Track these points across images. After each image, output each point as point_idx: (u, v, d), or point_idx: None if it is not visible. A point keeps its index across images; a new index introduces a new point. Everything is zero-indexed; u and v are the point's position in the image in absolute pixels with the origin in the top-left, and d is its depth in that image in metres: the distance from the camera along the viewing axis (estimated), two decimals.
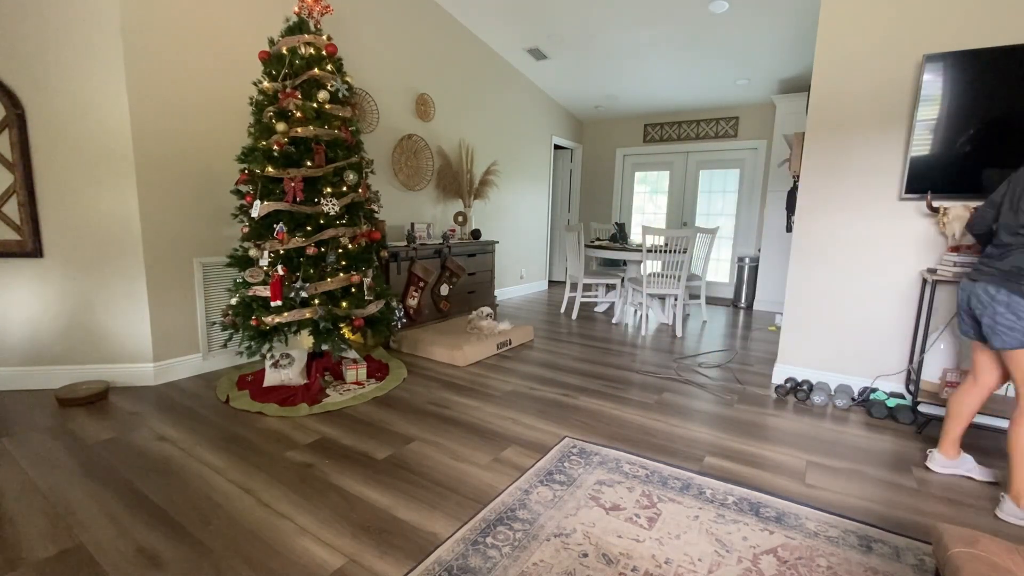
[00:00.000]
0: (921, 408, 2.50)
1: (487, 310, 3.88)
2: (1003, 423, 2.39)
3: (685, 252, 4.16)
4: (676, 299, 4.35)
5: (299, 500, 1.70)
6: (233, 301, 2.60)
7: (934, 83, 2.40)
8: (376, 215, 2.90)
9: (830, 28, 2.69)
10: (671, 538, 1.53)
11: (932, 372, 2.44)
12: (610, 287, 5.62)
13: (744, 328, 4.64)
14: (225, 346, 2.97)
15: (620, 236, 5.03)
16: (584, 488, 1.80)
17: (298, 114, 2.48)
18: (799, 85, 5.14)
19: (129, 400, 2.54)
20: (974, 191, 2.39)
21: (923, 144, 2.47)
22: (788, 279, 2.97)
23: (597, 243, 5.02)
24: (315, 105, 2.50)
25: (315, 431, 2.24)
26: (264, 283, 2.51)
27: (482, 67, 5.06)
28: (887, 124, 2.60)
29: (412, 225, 4.16)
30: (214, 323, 2.97)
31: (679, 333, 4.24)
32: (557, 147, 6.94)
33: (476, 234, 4.76)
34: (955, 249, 2.33)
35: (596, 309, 5.32)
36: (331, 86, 2.56)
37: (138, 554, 1.42)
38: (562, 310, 5.15)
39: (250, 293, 2.53)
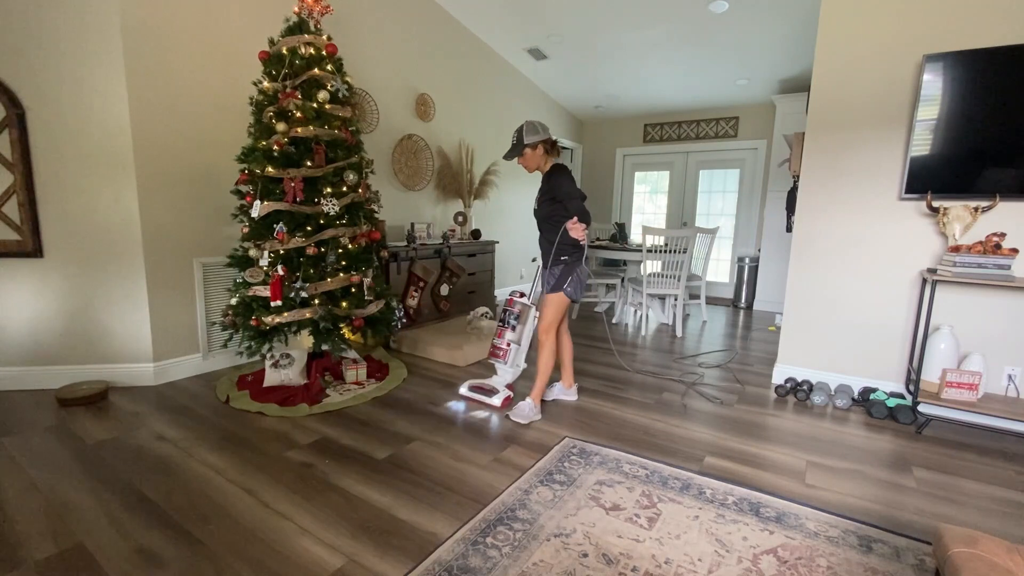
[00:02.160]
0: (921, 408, 2.50)
1: (484, 310, 3.87)
2: (1002, 423, 2.39)
3: (685, 252, 4.16)
4: (676, 299, 4.35)
5: (299, 500, 1.70)
6: (233, 301, 2.60)
7: (934, 83, 2.40)
8: (376, 215, 2.90)
9: (830, 28, 2.69)
10: (671, 538, 1.53)
11: (932, 372, 2.44)
12: (610, 287, 5.62)
13: (744, 328, 4.64)
14: (225, 346, 2.97)
15: (620, 236, 5.03)
16: (584, 488, 1.80)
17: (298, 114, 2.48)
18: (799, 85, 5.14)
19: (129, 400, 2.54)
20: (974, 191, 2.39)
21: (923, 144, 2.47)
22: (788, 279, 2.98)
23: (597, 243, 5.02)
24: (315, 105, 2.50)
25: (315, 431, 2.24)
26: (264, 283, 2.51)
27: (482, 67, 5.06)
28: (887, 124, 2.60)
29: (412, 225, 4.16)
30: (214, 323, 2.97)
31: (679, 333, 4.24)
32: None
33: (476, 234, 4.76)
34: (955, 249, 2.33)
35: (596, 309, 5.32)
36: (331, 86, 2.56)
37: (138, 554, 1.42)
38: None
39: (250, 293, 2.53)
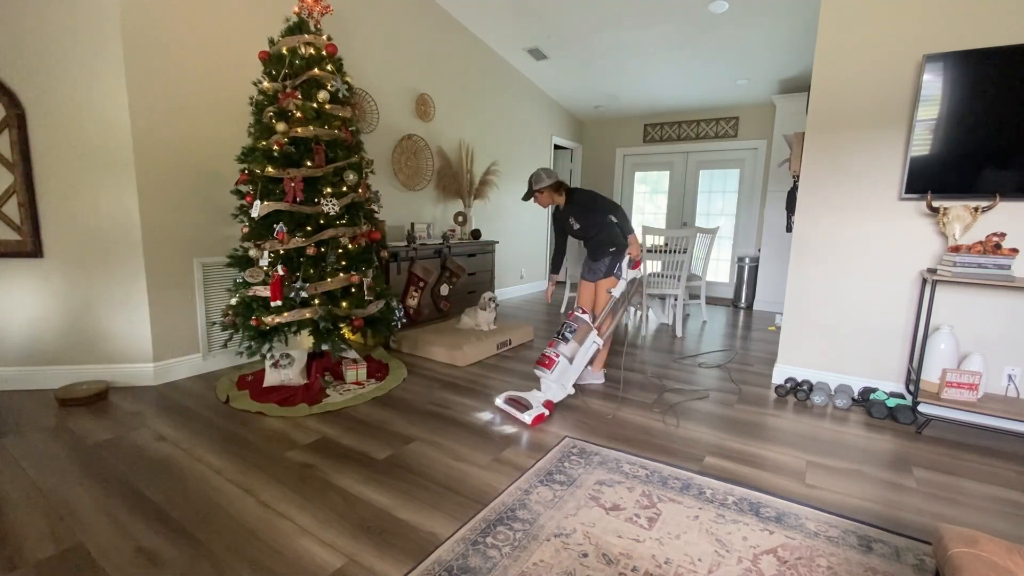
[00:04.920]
0: (921, 408, 2.50)
1: (491, 295, 3.78)
2: (1002, 423, 2.38)
3: (685, 252, 4.16)
4: (676, 299, 4.35)
5: (299, 500, 1.70)
6: (233, 301, 2.59)
7: (934, 83, 2.40)
8: (376, 215, 2.90)
9: (830, 28, 2.69)
10: (671, 538, 1.53)
11: (932, 372, 2.44)
12: None
13: (744, 328, 4.64)
14: (225, 346, 2.97)
15: None
16: (584, 488, 1.80)
17: (298, 114, 2.48)
18: (799, 85, 5.14)
19: (129, 400, 2.53)
20: (974, 191, 2.39)
21: (923, 144, 2.47)
22: (788, 279, 2.97)
23: None
24: (315, 105, 2.50)
25: (315, 431, 2.24)
26: (264, 283, 2.51)
27: (482, 67, 5.06)
28: (887, 124, 2.60)
29: (412, 225, 4.16)
30: (214, 323, 2.97)
31: (679, 333, 4.24)
32: (557, 147, 6.94)
33: (476, 234, 4.76)
34: (955, 249, 2.33)
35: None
36: (331, 86, 2.56)
37: (138, 554, 1.42)
38: (562, 310, 5.15)
39: (250, 293, 2.53)
